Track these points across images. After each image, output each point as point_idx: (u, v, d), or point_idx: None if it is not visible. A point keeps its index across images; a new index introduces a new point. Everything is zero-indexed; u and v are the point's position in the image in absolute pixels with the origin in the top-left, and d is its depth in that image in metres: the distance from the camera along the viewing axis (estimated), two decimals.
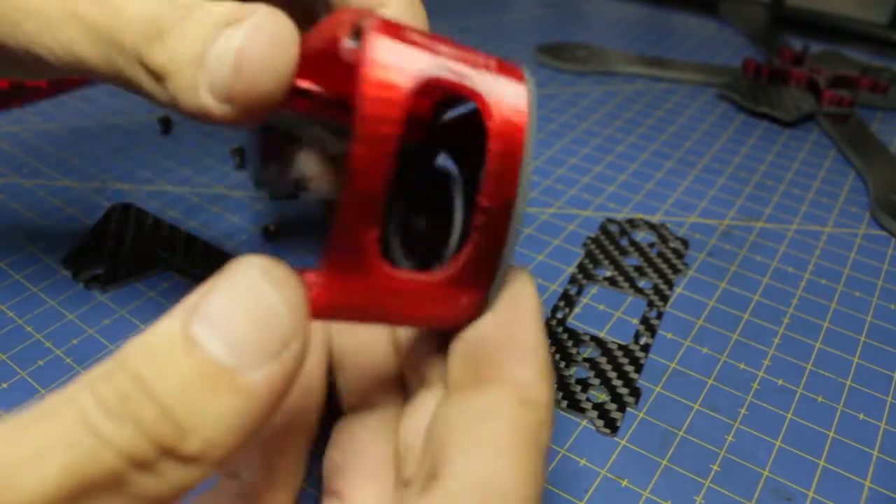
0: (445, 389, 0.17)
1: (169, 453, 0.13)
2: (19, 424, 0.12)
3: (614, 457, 0.26)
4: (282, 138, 0.26)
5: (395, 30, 0.15)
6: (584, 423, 0.28)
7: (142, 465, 0.12)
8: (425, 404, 0.18)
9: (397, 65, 0.14)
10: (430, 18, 0.24)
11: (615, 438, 0.27)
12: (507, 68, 0.17)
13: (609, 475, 0.26)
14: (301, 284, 0.14)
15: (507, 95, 0.16)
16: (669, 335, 0.32)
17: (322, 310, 0.15)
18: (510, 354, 0.16)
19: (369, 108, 0.14)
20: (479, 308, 0.17)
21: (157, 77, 0.18)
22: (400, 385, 0.21)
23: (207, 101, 0.17)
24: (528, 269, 0.35)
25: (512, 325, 0.16)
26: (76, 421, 0.12)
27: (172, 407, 0.13)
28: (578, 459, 0.26)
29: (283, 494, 0.19)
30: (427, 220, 0.19)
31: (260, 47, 0.17)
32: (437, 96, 0.19)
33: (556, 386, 0.29)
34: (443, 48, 0.16)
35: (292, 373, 0.14)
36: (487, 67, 0.16)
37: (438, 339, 0.18)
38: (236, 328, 0.13)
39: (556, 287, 0.34)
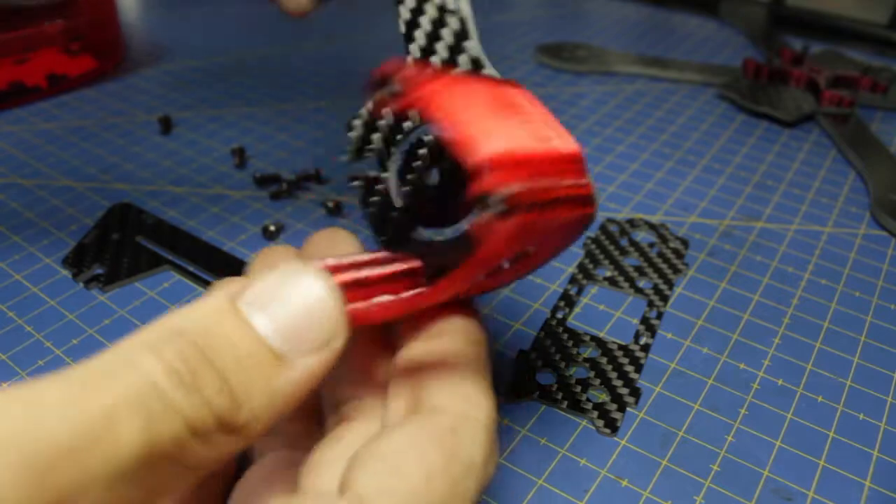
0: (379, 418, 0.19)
1: (223, 425, 0.13)
2: (79, 383, 0.12)
3: (614, 457, 0.26)
4: None
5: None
6: (584, 423, 0.28)
7: (200, 434, 0.13)
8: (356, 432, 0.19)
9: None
10: None
11: (615, 438, 0.27)
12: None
13: (609, 475, 0.26)
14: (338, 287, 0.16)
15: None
16: (669, 335, 0.32)
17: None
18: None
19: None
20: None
21: None
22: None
23: None
24: None
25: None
26: (145, 386, 0.13)
27: (231, 382, 0.14)
28: (578, 459, 0.26)
29: None
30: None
31: None
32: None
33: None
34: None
35: (330, 367, 0.15)
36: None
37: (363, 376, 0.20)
38: (290, 317, 0.15)
39: (556, 287, 0.34)
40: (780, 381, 0.30)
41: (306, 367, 0.15)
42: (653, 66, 0.56)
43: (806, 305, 0.34)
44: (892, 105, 0.52)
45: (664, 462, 0.26)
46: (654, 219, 0.39)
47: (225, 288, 0.15)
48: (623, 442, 0.27)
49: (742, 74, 0.54)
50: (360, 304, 0.17)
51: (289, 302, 0.15)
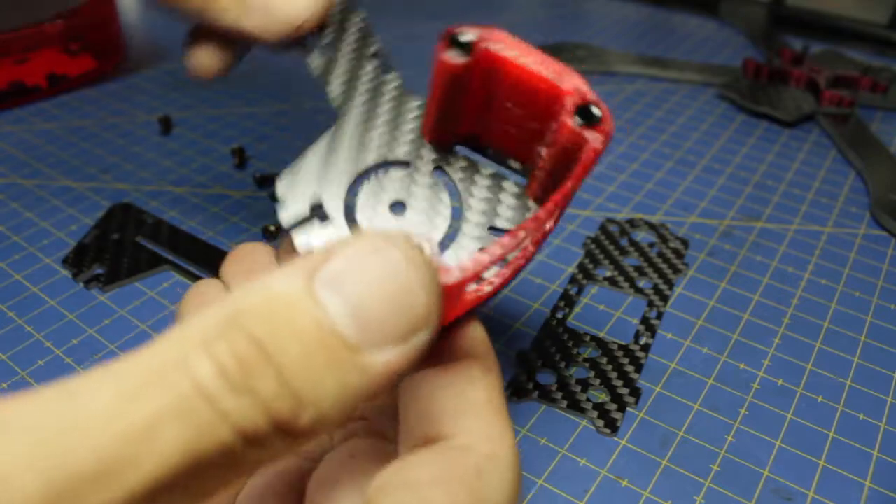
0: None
1: (281, 429, 0.12)
2: (124, 392, 0.11)
3: (614, 457, 0.26)
4: None
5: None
6: (584, 423, 0.28)
7: (253, 441, 0.12)
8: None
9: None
10: (431, 20, 0.24)
11: (615, 438, 0.27)
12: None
13: (609, 475, 0.26)
14: (438, 272, 0.14)
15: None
16: (669, 335, 0.32)
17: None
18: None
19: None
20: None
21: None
22: None
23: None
24: (529, 268, 0.35)
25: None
26: (192, 390, 0.11)
27: (292, 380, 0.12)
28: (578, 459, 0.26)
29: None
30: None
31: None
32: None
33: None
34: None
35: (413, 364, 0.13)
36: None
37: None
38: (366, 300, 0.12)
39: (556, 287, 0.34)
40: (780, 381, 0.30)
41: (385, 364, 0.12)
42: (653, 66, 0.56)
43: (806, 305, 0.34)
44: (892, 105, 0.52)
45: (664, 462, 0.26)
46: (654, 219, 0.39)
47: (305, 262, 0.13)
48: (623, 442, 0.27)
49: (742, 74, 0.54)
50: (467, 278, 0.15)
51: (367, 280, 0.12)
